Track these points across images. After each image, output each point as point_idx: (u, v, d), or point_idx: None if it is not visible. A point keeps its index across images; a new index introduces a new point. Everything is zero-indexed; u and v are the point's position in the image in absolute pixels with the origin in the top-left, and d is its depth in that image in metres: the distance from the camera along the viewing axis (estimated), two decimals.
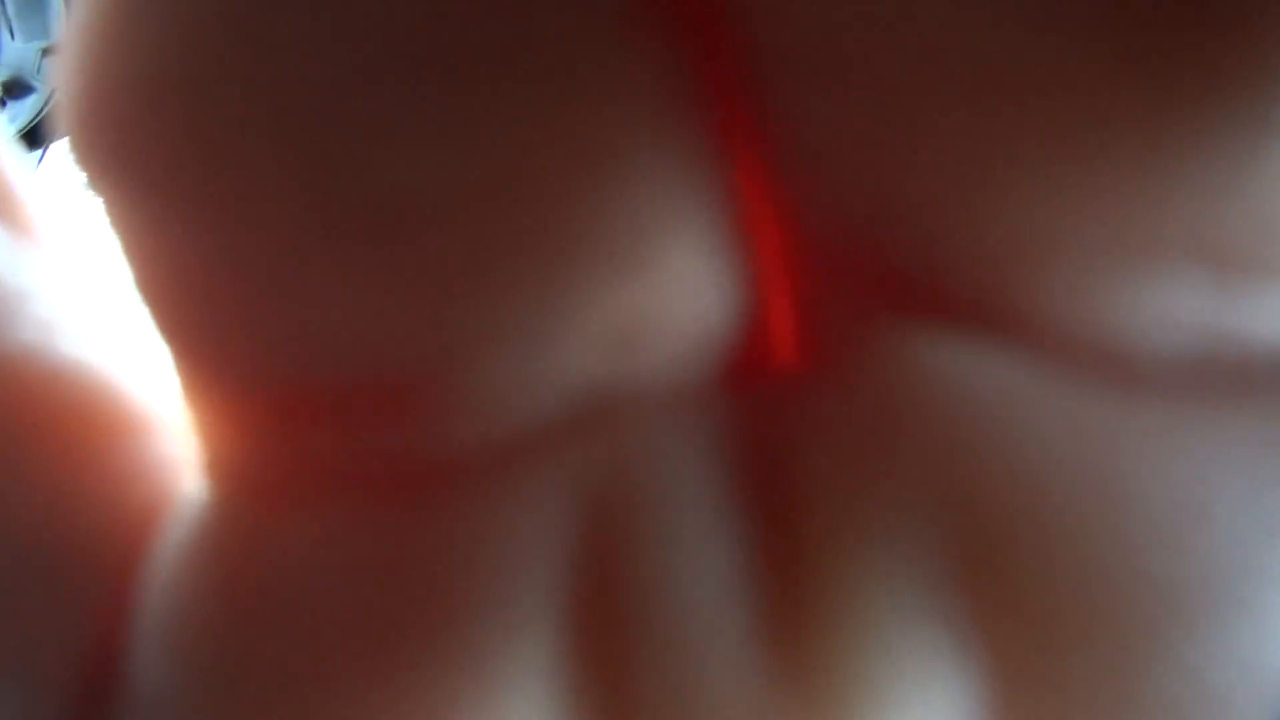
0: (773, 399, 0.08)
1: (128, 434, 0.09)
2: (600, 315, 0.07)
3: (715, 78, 0.07)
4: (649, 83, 0.07)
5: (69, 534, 0.08)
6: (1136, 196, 0.07)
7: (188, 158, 0.07)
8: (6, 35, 0.57)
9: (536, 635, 0.07)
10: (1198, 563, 0.07)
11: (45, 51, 0.57)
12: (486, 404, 0.07)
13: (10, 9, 0.56)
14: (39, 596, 0.08)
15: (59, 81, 0.08)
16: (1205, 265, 0.07)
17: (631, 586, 0.07)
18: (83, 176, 0.08)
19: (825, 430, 0.08)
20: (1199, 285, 0.07)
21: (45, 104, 0.59)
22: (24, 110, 0.59)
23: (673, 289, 0.07)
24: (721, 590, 0.07)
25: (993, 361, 0.07)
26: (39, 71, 0.58)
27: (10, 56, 0.57)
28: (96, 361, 0.09)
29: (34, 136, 0.59)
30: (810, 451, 0.08)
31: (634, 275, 0.07)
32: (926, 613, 0.07)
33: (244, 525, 0.08)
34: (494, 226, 0.07)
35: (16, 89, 0.58)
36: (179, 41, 0.07)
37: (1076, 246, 0.07)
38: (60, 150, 0.62)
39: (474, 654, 0.07)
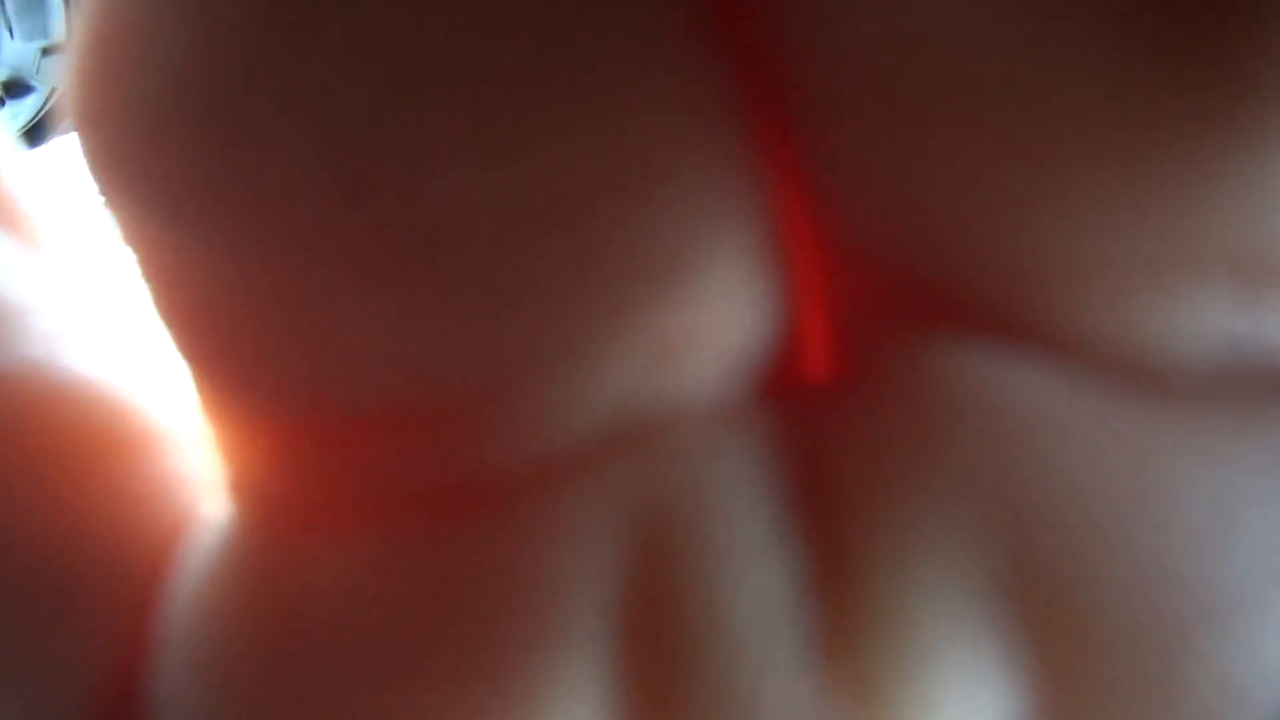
0: (812, 411, 0.08)
1: (142, 450, 0.09)
2: (644, 333, 0.07)
3: (754, 95, 0.07)
4: (692, 101, 0.07)
5: (84, 554, 0.08)
6: (1173, 213, 0.07)
7: (210, 179, 0.07)
8: (6, 34, 0.57)
9: (586, 656, 0.07)
10: (1228, 566, 0.07)
11: (45, 51, 0.57)
12: (528, 425, 0.07)
13: (10, 8, 0.55)
14: (55, 619, 0.08)
15: (67, 91, 0.07)
16: (1237, 277, 0.07)
17: (681, 604, 0.07)
18: (96, 191, 0.08)
19: (867, 442, 0.08)
20: (1230, 296, 0.07)
21: (45, 103, 0.58)
22: (24, 109, 0.58)
23: (713, 304, 0.07)
24: (771, 604, 0.07)
25: (1029, 373, 0.07)
26: (39, 71, 0.58)
27: (10, 56, 0.57)
28: (107, 375, 0.09)
29: (33, 136, 0.59)
30: (853, 463, 0.08)
31: (678, 293, 0.07)
32: (973, 620, 0.07)
33: (276, 548, 0.08)
34: (539, 247, 0.07)
35: (16, 88, 0.58)
36: (202, 55, 0.07)
37: (1113, 262, 0.07)
38: (61, 148, 0.62)
39: (521, 676, 0.07)
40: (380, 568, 0.08)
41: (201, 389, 0.08)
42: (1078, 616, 0.07)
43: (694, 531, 0.08)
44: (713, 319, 0.07)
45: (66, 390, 0.08)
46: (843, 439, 0.08)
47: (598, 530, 0.07)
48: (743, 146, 0.07)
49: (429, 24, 0.06)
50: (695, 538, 0.08)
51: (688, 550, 0.08)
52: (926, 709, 0.07)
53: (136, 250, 0.08)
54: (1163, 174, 0.07)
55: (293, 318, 0.07)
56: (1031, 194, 0.07)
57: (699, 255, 0.07)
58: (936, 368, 0.07)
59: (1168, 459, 0.07)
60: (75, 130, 0.07)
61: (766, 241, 0.07)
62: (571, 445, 0.07)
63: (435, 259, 0.07)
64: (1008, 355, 0.07)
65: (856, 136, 0.07)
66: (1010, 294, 0.07)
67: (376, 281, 0.07)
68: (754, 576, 0.07)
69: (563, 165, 0.07)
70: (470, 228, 0.07)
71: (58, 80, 0.59)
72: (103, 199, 0.07)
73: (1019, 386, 0.07)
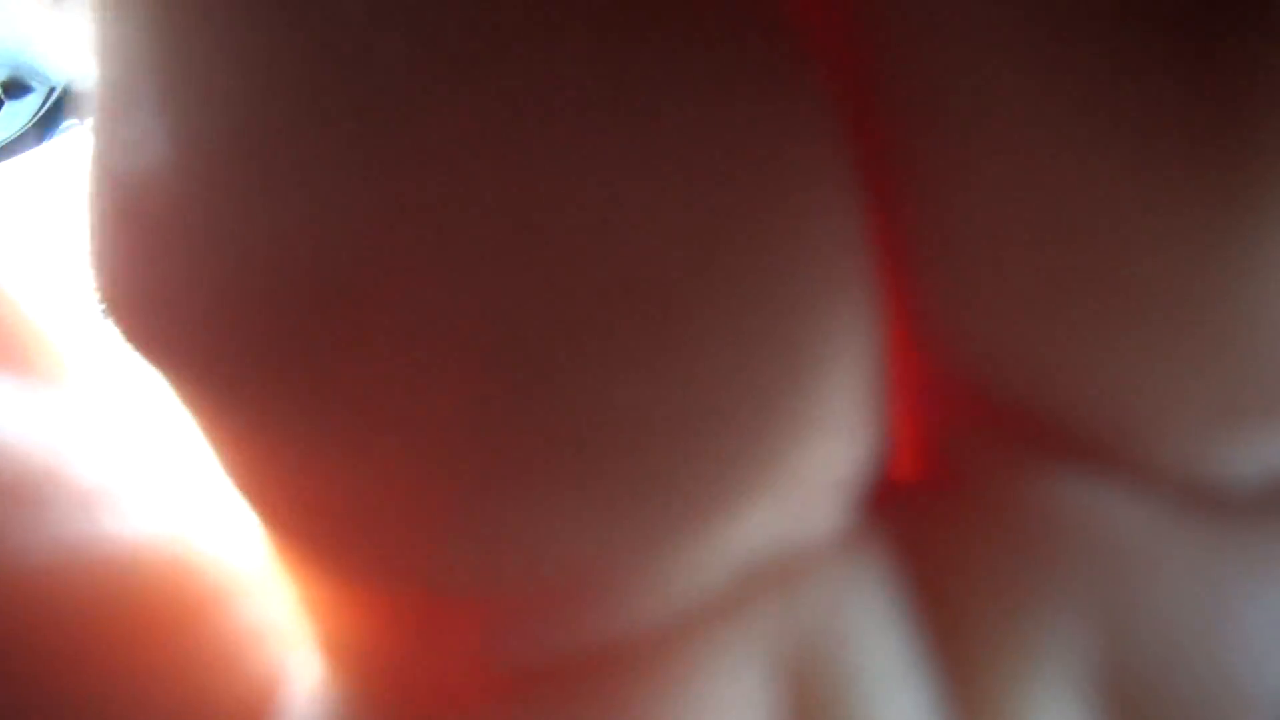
0: (919, 531, 0.08)
1: (214, 609, 0.08)
2: (772, 485, 0.07)
3: (871, 227, 0.07)
4: (832, 250, 0.07)
5: None
6: (1250, 361, 0.07)
7: (308, 381, 0.06)
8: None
9: None
10: (1275, 674, 0.08)
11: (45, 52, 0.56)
12: (662, 589, 0.07)
13: None
14: None
15: (96, 278, 0.06)
16: None
17: None
18: (133, 353, 0.07)
19: (976, 562, 0.08)
20: None
21: (44, 104, 0.58)
22: (24, 110, 0.58)
23: (834, 444, 0.07)
24: None
25: (1114, 495, 0.08)
26: (39, 71, 0.57)
27: (10, 56, 0.56)
28: (159, 531, 0.08)
29: (32, 137, 0.58)
30: (965, 582, 0.08)
31: (807, 443, 0.07)
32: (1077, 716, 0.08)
33: (386, 716, 0.07)
34: (692, 434, 0.07)
35: (16, 88, 0.58)
36: (289, 239, 0.06)
37: (1196, 405, 0.07)
38: (58, 150, 0.61)
39: None
40: None
41: (280, 550, 0.07)
42: (1164, 705, 0.08)
43: (840, 664, 0.08)
44: (832, 457, 0.07)
45: (112, 564, 0.08)
46: (952, 559, 0.08)
47: (746, 676, 0.07)
48: (866, 285, 0.07)
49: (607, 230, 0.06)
50: (842, 670, 0.08)
51: (837, 683, 0.08)
52: None
53: (199, 418, 0.07)
54: (1245, 327, 0.07)
55: (404, 506, 0.06)
56: (1126, 344, 0.07)
57: (827, 404, 0.07)
58: (1033, 488, 0.08)
59: (1230, 576, 0.08)
60: (110, 314, 0.06)
61: (879, 373, 0.07)
62: (705, 597, 0.07)
63: (589, 452, 0.06)
64: (1095, 478, 0.08)
65: (963, 274, 0.07)
66: (1100, 427, 0.08)
67: (513, 481, 0.06)
68: (899, 700, 0.08)
69: (734, 356, 0.06)
70: (632, 423, 0.06)
71: (57, 78, 0.58)
72: (144, 362, 0.07)
73: (1106, 508, 0.08)
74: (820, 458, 0.07)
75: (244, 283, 0.06)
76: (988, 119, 0.07)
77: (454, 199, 0.06)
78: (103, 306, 0.07)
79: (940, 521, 0.08)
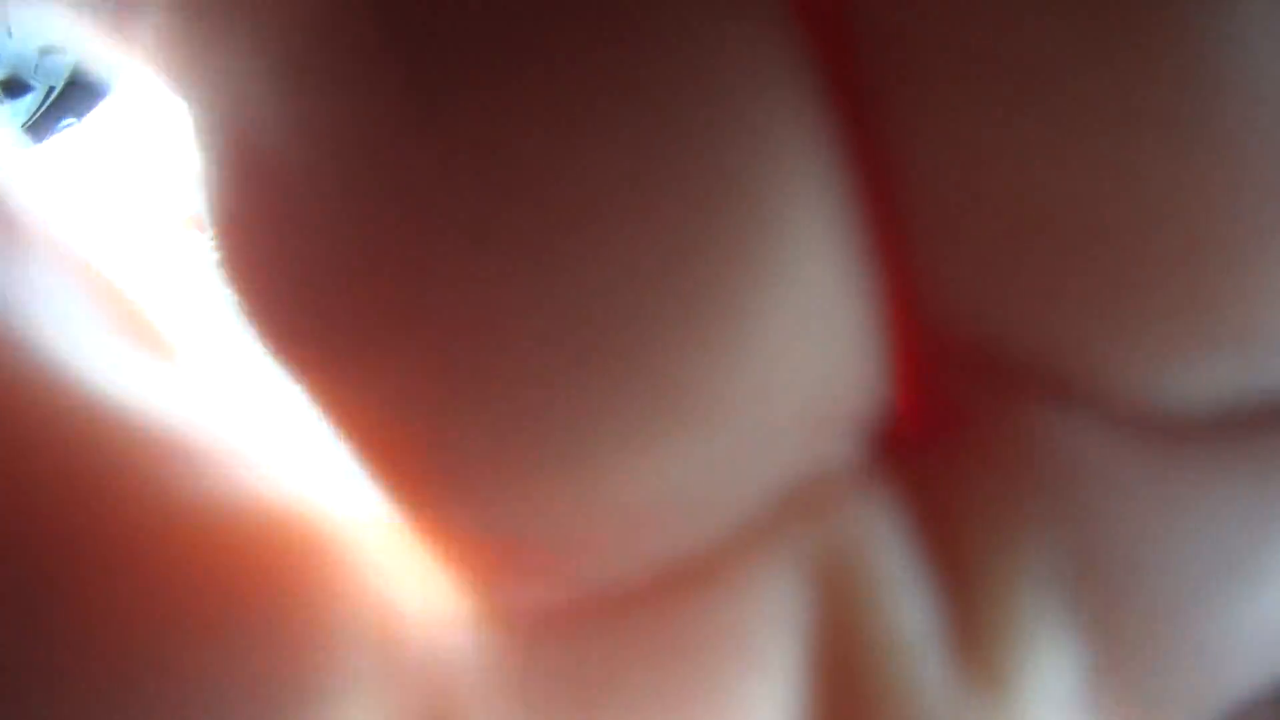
0: (921, 464, 0.10)
1: (338, 555, 0.09)
2: (794, 423, 0.09)
3: (863, 178, 0.08)
4: (822, 190, 0.08)
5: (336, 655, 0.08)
6: (1197, 304, 0.09)
7: (396, 324, 0.07)
8: (5, 34, 0.56)
9: (789, 684, 0.09)
10: (1217, 563, 0.10)
11: (44, 51, 0.57)
12: (708, 513, 0.09)
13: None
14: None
15: (223, 267, 0.08)
16: (1244, 347, 0.09)
17: (861, 636, 0.10)
18: (258, 345, 0.08)
19: (971, 489, 0.10)
20: (1235, 360, 0.09)
21: (43, 103, 0.58)
22: (22, 109, 0.58)
23: (843, 388, 0.09)
24: (921, 625, 0.10)
25: (1084, 426, 0.10)
26: (37, 70, 0.58)
27: (9, 55, 0.57)
28: (287, 488, 0.09)
29: (31, 137, 0.58)
30: (961, 506, 0.10)
31: (820, 387, 0.09)
32: (1055, 612, 0.10)
33: (518, 647, 0.09)
34: (755, 379, 0.08)
35: (15, 87, 0.58)
36: (400, 225, 0.07)
37: (1156, 343, 0.09)
38: (59, 147, 0.62)
39: (741, 704, 0.09)
40: (612, 652, 0.09)
41: (394, 506, 0.08)
42: (1123, 603, 0.10)
43: (862, 575, 0.10)
44: (842, 400, 0.09)
45: (253, 514, 0.08)
46: (951, 487, 0.10)
47: (784, 592, 0.09)
48: (857, 245, 0.08)
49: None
50: (865, 580, 0.10)
51: (861, 591, 0.10)
52: (1031, 675, 0.10)
53: (306, 380, 0.08)
54: (1199, 272, 0.09)
55: (492, 450, 0.08)
56: (1092, 283, 0.09)
57: (830, 352, 0.09)
58: (1017, 425, 0.10)
59: (1187, 496, 0.10)
60: (232, 284, 0.08)
61: (877, 326, 0.09)
62: (748, 518, 0.09)
63: (681, 411, 0.08)
64: (1068, 412, 0.10)
65: (953, 231, 0.09)
66: (1070, 363, 0.09)
67: (579, 419, 0.08)
68: (908, 606, 0.10)
69: (775, 321, 0.08)
70: (690, 384, 0.08)
71: (56, 80, 0.59)
72: (272, 354, 0.08)
73: (1077, 438, 0.10)
74: (831, 400, 0.09)
75: (350, 254, 0.07)
76: (963, 66, 0.08)
77: (497, 190, 0.07)
78: (225, 279, 0.08)
79: (937, 458, 0.10)
